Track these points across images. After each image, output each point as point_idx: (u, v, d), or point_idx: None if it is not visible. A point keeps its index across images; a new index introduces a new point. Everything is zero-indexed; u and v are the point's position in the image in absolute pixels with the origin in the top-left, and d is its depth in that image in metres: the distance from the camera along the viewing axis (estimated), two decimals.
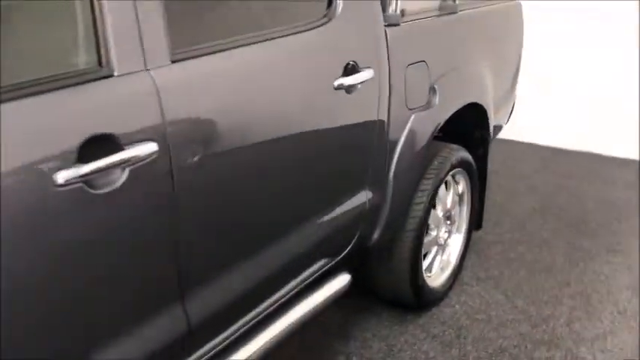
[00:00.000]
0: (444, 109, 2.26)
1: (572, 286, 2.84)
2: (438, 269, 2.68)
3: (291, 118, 1.65)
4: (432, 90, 2.22)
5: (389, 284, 2.44)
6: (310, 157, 1.74)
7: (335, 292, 1.99)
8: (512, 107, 3.35)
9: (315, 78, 1.73)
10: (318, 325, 2.43)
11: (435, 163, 2.38)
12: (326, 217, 1.87)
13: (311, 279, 1.94)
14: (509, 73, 3.08)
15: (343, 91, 1.77)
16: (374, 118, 1.92)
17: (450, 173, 2.52)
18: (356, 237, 2.01)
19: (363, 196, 1.97)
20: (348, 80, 1.76)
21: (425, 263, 2.57)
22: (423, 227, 2.36)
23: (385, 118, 1.97)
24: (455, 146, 2.53)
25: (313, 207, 1.83)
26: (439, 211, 2.53)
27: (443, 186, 2.50)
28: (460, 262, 2.81)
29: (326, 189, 1.85)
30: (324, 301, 1.95)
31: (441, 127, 2.29)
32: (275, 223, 1.72)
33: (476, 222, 3.02)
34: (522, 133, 4.55)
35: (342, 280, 2.02)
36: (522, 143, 4.68)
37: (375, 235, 2.14)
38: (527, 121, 4.34)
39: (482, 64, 2.62)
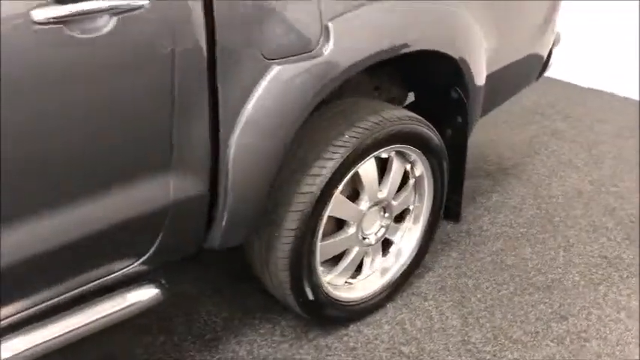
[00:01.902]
0: (343, 59, 1.50)
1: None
2: (369, 275, 1.99)
3: None
4: (325, 31, 1.46)
5: (274, 291, 1.82)
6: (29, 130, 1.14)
7: (126, 308, 1.43)
8: (546, 61, 2.41)
9: None
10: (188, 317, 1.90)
11: (344, 137, 1.65)
12: (90, 209, 1.27)
13: (95, 283, 1.39)
14: (530, 13, 2.16)
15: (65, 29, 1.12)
16: (165, 73, 1.24)
17: (384, 151, 1.77)
18: (160, 237, 1.40)
19: (161, 184, 1.33)
20: (64, 10, 1.10)
21: (340, 268, 1.89)
22: (317, 224, 1.67)
23: (197, 73, 1.28)
24: (395, 113, 1.76)
25: (62, 194, 1.24)
26: (364, 202, 1.82)
27: (369, 168, 1.77)
28: (412, 267, 2.08)
29: (77, 172, 1.24)
30: (105, 317, 1.41)
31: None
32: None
33: (453, 213, 2.24)
34: None
35: (141, 294, 1.45)
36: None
37: (216, 235, 1.51)
38: None
39: None
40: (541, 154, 3.18)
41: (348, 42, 1.50)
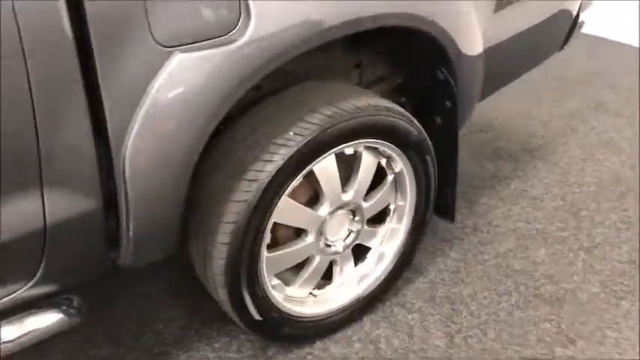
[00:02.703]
0: (271, 44, 1.21)
1: None
2: (341, 284, 1.73)
3: None
4: (245, 7, 1.17)
5: (220, 303, 1.59)
6: None
7: (24, 335, 1.24)
8: (574, 21, 2.01)
9: None
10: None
11: (287, 134, 1.37)
12: None
13: None
14: None
15: None
16: (14, 71, 0.99)
17: (347, 147, 1.49)
18: (44, 261, 1.18)
19: (31, 204, 1.10)
20: None
21: (299, 280, 1.64)
22: (257, 235, 1.42)
23: (61, 67, 1.03)
24: (357, 102, 1.46)
25: None
26: (324, 207, 1.54)
27: (328, 167, 1.49)
28: (397, 272, 1.81)
29: None
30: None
31: None
32: None
33: (446, 211, 1.93)
34: None
35: (40, 320, 1.25)
36: None
37: (125, 254, 1.28)
38: None
39: None
40: (578, 131, 2.79)
41: (276, 21, 1.21)
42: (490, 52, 1.70)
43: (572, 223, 2.18)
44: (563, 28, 1.98)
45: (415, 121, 1.59)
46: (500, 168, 2.51)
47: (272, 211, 1.42)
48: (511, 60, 1.83)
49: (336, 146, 1.45)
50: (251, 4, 1.17)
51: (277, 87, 1.56)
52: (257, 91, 1.57)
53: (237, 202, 1.36)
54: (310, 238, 1.56)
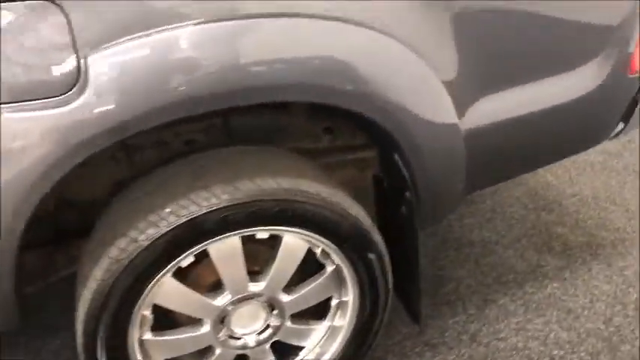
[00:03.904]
0: (112, 112, 1.01)
1: None
2: None
3: None
4: (84, 68, 0.99)
5: None
6: None
7: None
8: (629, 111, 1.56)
9: None
10: None
11: (164, 211, 1.16)
12: None
13: None
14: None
15: None
16: None
17: (254, 232, 1.24)
18: None
19: None
20: None
21: None
22: (119, 316, 1.21)
23: None
24: (263, 184, 1.20)
25: None
26: (222, 296, 1.31)
27: (227, 251, 1.26)
28: None
29: None
30: None
31: None
32: None
33: (411, 311, 1.59)
34: None
35: None
36: None
37: None
38: None
39: None
40: None
41: (121, 86, 1.01)
42: (479, 134, 1.35)
43: (605, 357, 1.70)
44: (609, 112, 1.53)
45: (351, 211, 1.30)
46: (545, 263, 2.07)
47: (142, 294, 1.22)
48: (514, 147, 1.43)
49: (229, 232, 1.22)
50: (90, 63, 0.99)
51: (213, 143, 1.38)
52: (187, 144, 1.40)
53: (96, 280, 1.19)
54: (206, 328, 1.34)
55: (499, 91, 1.32)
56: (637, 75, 1.47)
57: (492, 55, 1.27)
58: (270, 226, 1.25)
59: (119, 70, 1.00)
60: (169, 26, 0.99)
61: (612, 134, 1.60)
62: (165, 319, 1.37)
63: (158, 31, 0.99)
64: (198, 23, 1.02)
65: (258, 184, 1.21)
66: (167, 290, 1.26)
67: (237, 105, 1.09)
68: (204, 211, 1.17)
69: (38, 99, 0.99)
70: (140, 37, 0.99)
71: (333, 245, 1.33)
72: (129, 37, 0.99)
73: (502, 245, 2.15)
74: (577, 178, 2.55)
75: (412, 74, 1.20)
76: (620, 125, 1.60)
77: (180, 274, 1.28)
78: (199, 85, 1.04)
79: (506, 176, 1.62)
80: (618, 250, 2.13)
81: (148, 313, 1.28)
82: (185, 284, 1.30)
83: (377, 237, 1.36)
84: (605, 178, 2.55)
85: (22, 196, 1.04)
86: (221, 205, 1.17)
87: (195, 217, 1.17)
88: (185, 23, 1.00)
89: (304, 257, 1.34)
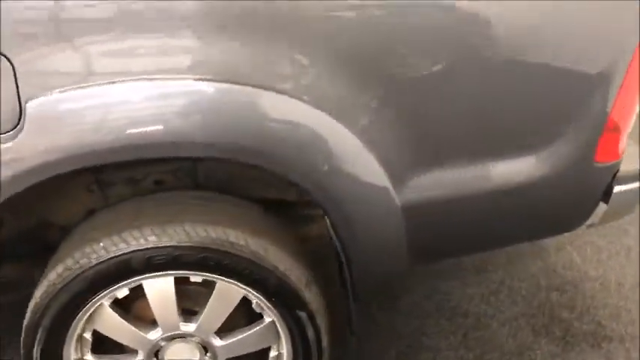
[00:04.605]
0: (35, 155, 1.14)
1: None
2: None
3: None
4: (22, 112, 1.13)
5: None
6: None
7: None
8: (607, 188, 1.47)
9: None
10: None
11: (84, 250, 1.26)
12: None
13: None
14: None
15: None
16: None
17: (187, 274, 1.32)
18: None
19: None
20: None
21: None
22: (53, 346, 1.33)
23: None
24: (193, 230, 1.27)
25: None
26: (156, 331, 1.38)
27: (159, 289, 1.33)
28: None
29: None
30: None
31: None
32: None
33: None
34: None
35: None
36: None
37: None
38: None
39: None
40: None
41: (50, 131, 1.14)
42: (419, 208, 1.34)
43: None
44: (571, 199, 1.45)
45: (280, 266, 1.34)
46: (537, 347, 1.96)
47: (75, 318, 1.33)
48: (458, 225, 1.40)
49: (154, 272, 1.30)
50: (28, 112, 1.13)
51: (180, 185, 1.48)
52: (156, 184, 1.51)
53: (35, 299, 1.32)
54: (140, 358, 1.42)
55: (440, 168, 1.31)
56: (607, 163, 1.39)
57: (431, 131, 1.28)
58: (197, 272, 1.32)
59: (49, 117, 1.13)
60: (93, 83, 1.12)
61: (596, 218, 1.52)
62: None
63: (82, 87, 1.11)
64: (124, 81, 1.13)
65: (186, 230, 1.29)
66: (104, 318, 1.36)
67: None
68: (131, 250, 1.26)
69: None
70: (67, 90, 1.11)
71: (262, 298, 1.37)
72: (59, 90, 1.12)
73: (498, 321, 2.07)
74: (606, 261, 2.40)
75: (339, 143, 1.23)
76: (603, 206, 1.51)
77: (126, 305, 1.39)
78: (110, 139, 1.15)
79: (456, 253, 1.58)
80: (625, 346, 1.97)
81: (87, 335, 1.39)
82: (129, 314, 1.40)
83: (309, 295, 1.38)
84: (638, 267, 2.37)
85: None
86: (146, 247, 1.26)
87: (121, 255, 1.26)
88: (106, 81, 1.12)
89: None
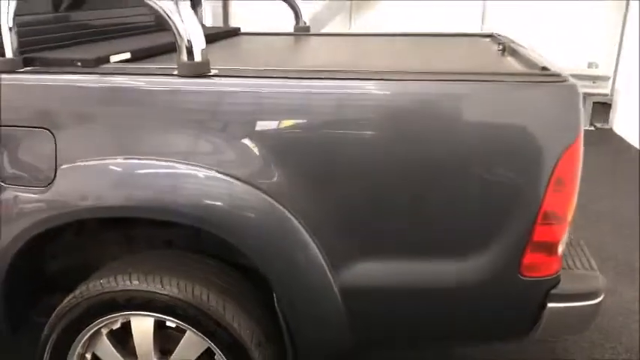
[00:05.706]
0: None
1: None
2: None
3: None
4: (56, 173, 1.56)
5: None
6: None
7: None
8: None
9: None
10: None
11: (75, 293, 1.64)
12: None
13: None
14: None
15: None
16: None
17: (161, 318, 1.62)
18: None
19: None
20: None
21: None
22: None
23: None
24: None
25: None
26: None
27: (141, 328, 1.65)
28: None
29: None
30: None
31: None
32: None
33: None
34: None
35: None
36: None
37: None
38: None
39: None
40: None
41: (69, 188, 1.56)
42: (357, 294, 1.53)
43: None
44: (501, 310, 1.53)
45: (233, 322, 1.58)
46: None
47: (76, 339, 1.68)
48: (396, 318, 1.53)
49: (125, 310, 1.62)
50: (59, 172, 1.56)
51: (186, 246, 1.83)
52: (165, 244, 1.87)
53: (50, 319, 1.70)
54: None
55: (376, 258, 1.49)
56: (536, 278, 1.47)
57: (367, 222, 1.48)
58: (170, 317, 1.61)
59: (72, 179, 1.56)
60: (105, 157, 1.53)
61: (536, 334, 1.56)
62: None
63: (96, 160, 1.53)
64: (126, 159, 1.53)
65: (162, 281, 1.60)
66: (101, 345, 1.70)
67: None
68: (119, 289, 1.61)
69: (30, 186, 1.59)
70: (87, 161, 1.54)
71: (218, 350, 1.62)
72: (81, 162, 1.55)
73: None
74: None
75: (277, 225, 1.50)
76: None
77: (121, 337, 1.71)
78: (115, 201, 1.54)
79: (397, 346, 1.64)
80: None
81: (88, 356, 1.73)
82: (123, 346, 1.72)
83: (256, 354, 1.60)
84: None
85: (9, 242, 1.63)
86: (130, 288, 1.60)
87: (110, 292, 1.62)
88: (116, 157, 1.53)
89: None
